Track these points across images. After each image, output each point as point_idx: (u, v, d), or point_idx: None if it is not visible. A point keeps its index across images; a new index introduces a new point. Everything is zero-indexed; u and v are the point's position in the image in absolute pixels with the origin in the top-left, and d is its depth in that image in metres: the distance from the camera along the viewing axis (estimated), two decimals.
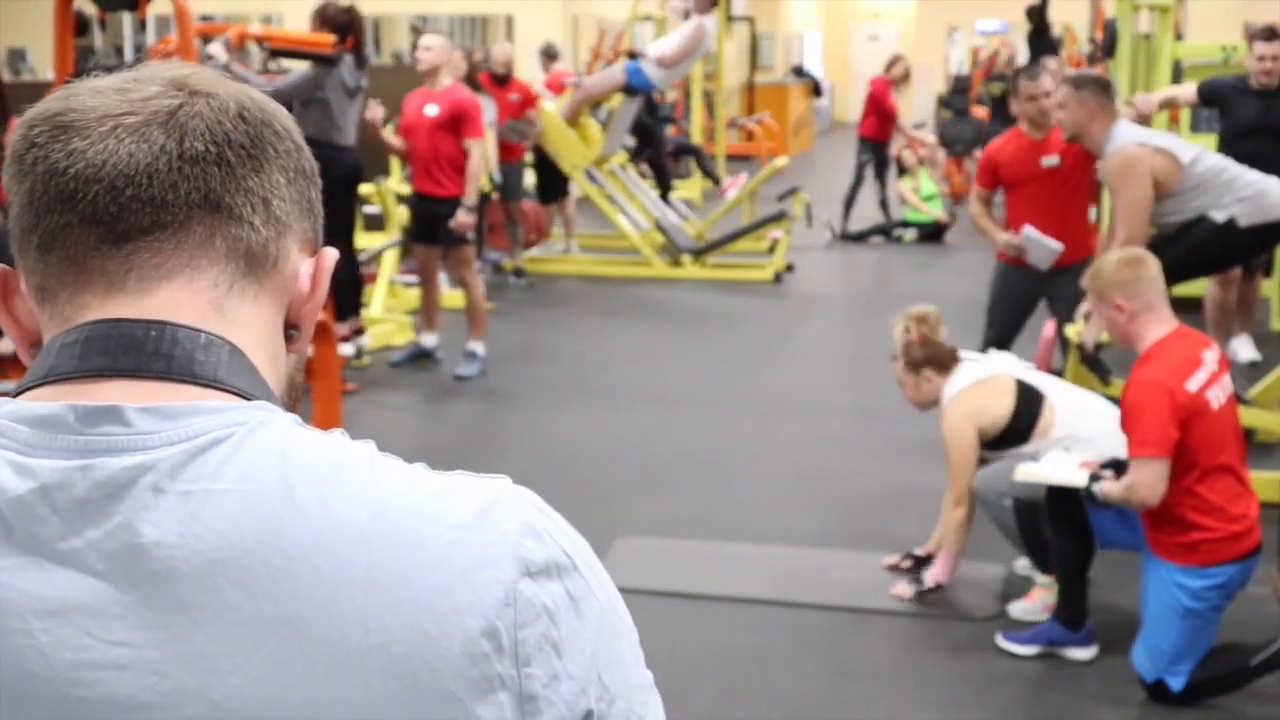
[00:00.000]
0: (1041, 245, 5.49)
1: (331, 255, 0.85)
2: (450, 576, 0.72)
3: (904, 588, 4.27)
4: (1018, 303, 5.71)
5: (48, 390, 0.76)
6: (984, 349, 5.69)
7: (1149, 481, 3.49)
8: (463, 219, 6.98)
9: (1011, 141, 5.74)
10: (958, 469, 4.16)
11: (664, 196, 11.49)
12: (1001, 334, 5.72)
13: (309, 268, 0.84)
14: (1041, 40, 12.47)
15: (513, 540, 0.74)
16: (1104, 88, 4.98)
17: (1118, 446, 3.68)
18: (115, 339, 0.76)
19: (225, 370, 0.77)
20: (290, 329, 0.84)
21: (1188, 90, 6.69)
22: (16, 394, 0.77)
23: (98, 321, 0.76)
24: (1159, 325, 3.62)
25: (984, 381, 4.21)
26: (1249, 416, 5.24)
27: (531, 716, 0.73)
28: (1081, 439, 4.02)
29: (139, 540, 0.70)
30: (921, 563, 4.43)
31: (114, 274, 0.77)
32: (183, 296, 0.78)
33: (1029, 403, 4.15)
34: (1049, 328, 4.46)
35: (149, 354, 0.75)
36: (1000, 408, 4.15)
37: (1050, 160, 5.55)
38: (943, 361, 4.33)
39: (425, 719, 0.71)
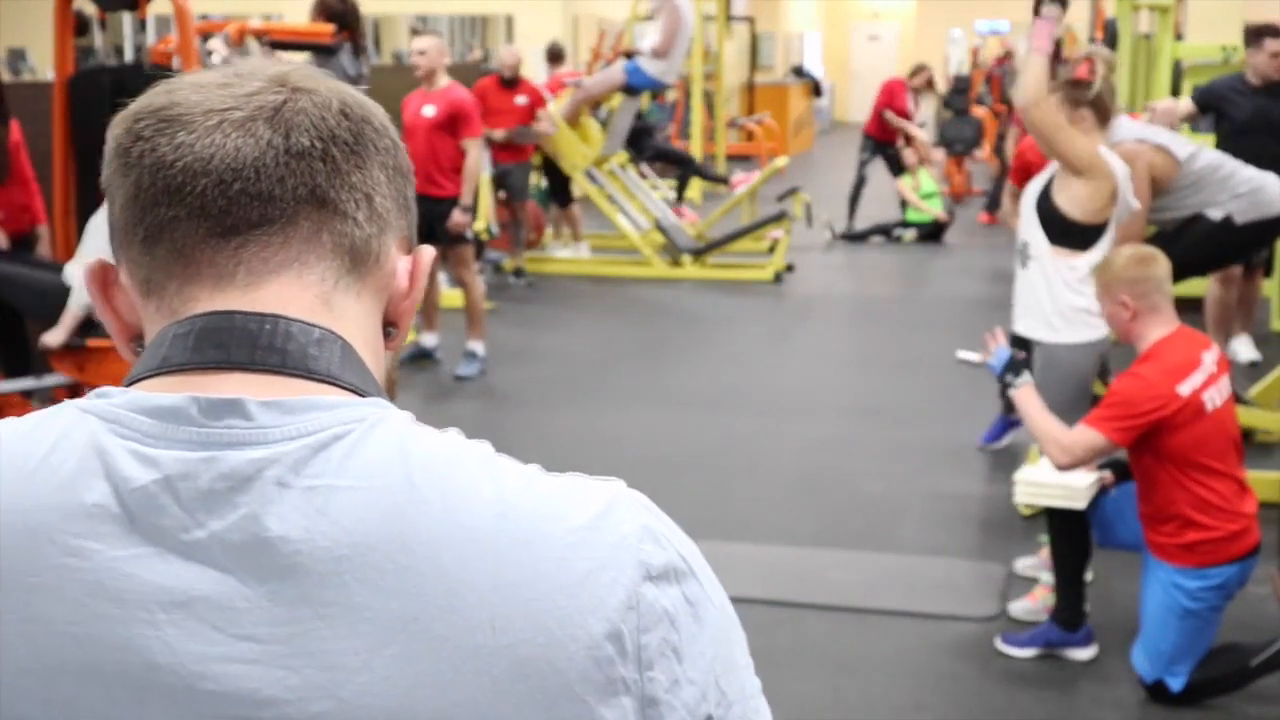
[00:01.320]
0: None
1: (429, 253, 0.86)
2: (573, 578, 0.72)
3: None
4: None
5: (162, 381, 0.75)
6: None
7: (1078, 450, 3.50)
8: (459, 218, 7.00)
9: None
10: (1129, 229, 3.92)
11: (685, 183, 11.42)
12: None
13: (407, 264, 0.84)
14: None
15: (632, 544, 0.74)
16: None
17: None
18: (229, 331, 0.75)
19: (338, 366, 0.77)
20: (389, 326, 0.84)
21: (1186, 105, 6.70)
22: (128, 384, 0.77)
23: (211, 313, 0.76)
24: (1161, 326, 3.62)
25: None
26: (1248, 417, 5.25)
27: (647, 700, 0.73)
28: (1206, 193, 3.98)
29: (265, 534, 0.70)
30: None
31: (223, 267, 0.77)
32: (292, 291, 0.78)
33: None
34: None
35: (263, 347, 0.75)
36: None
37: None
38: (1105, 116, 4.10)
39: (552, 712, 0.70)
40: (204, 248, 0.77)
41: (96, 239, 5.34)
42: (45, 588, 0.70)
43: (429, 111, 7.10)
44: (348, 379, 0.77)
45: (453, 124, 7.06)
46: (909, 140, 12.17)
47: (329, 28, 6.75)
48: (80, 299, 5.35)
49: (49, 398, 5.85)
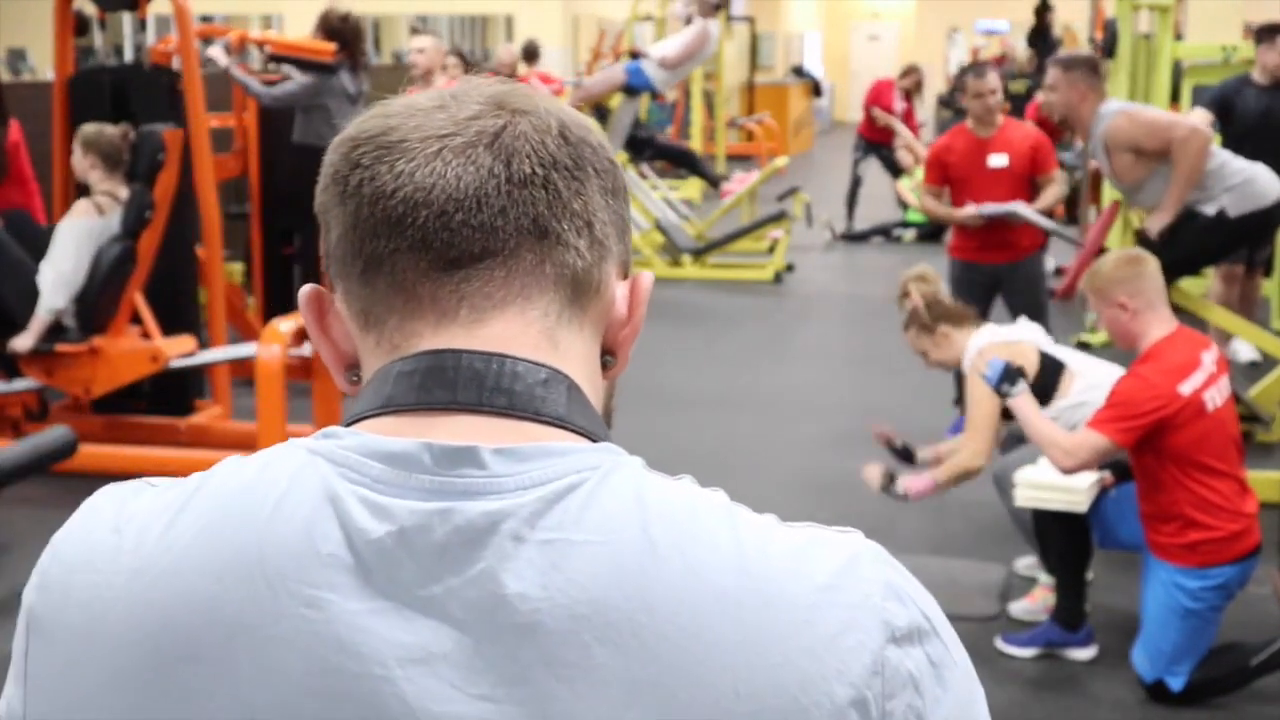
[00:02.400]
0: (1000, 212, 5.63)
1: (648, 279, 0.83)
2: (818, 641, 0.69)
3: (875, 472, 4.15)
4: (977, 296, 5.79)
5: (388, 422, 0.73)
6: None
7: (1082, 453, 3.50)
8: None
9: (959, 139, 5.83)
10: (979, 424, 4.04)
11: (701, 173, 11.40)
12: None
13: (625, 290, 0.81)
14: (1042, 39, 12.50)
15: (876, 603, 0.71)
16: (1093, 68, 4.99)
17: None
18: (456, 370, 0.73)
19: (566, 408, 0.74)
20: (606, 355, 0.81)
21: (1201, 115, 6.69)
22: (350, 423, 0.75)
23: (436, 351, 0.74)
24: (1160, 325, 3.62)
25: (1010, 343, 4.15)
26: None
27: None
28: (1097, 405, 4.03)
29: (502, 591, 0.68)
30: (905, 456, 4.38)
31: (445, 302, 0.75)
32: (516, 327, 0.75)
33: (1050, 370, 4.09)
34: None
35: (489, 388, 0.73)
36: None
37: (999, 160, 5.66)
38: (957, 316, 4.27)
39: None
40: (425, 282, 0.75)
41: (64, 246, 5.34)
42: (283, 639, 0.69)
43: None
44: (577, 422, 0.75)
45: None
46: (907, 144, 12.18)
47: (330, 46, 6.74)
48: (48, 304, 5.35)
49: (19, 401, 5.83)
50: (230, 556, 0.70)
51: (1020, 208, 5.61)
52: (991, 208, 5.63)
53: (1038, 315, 5.74)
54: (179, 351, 5.64)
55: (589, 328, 0.79)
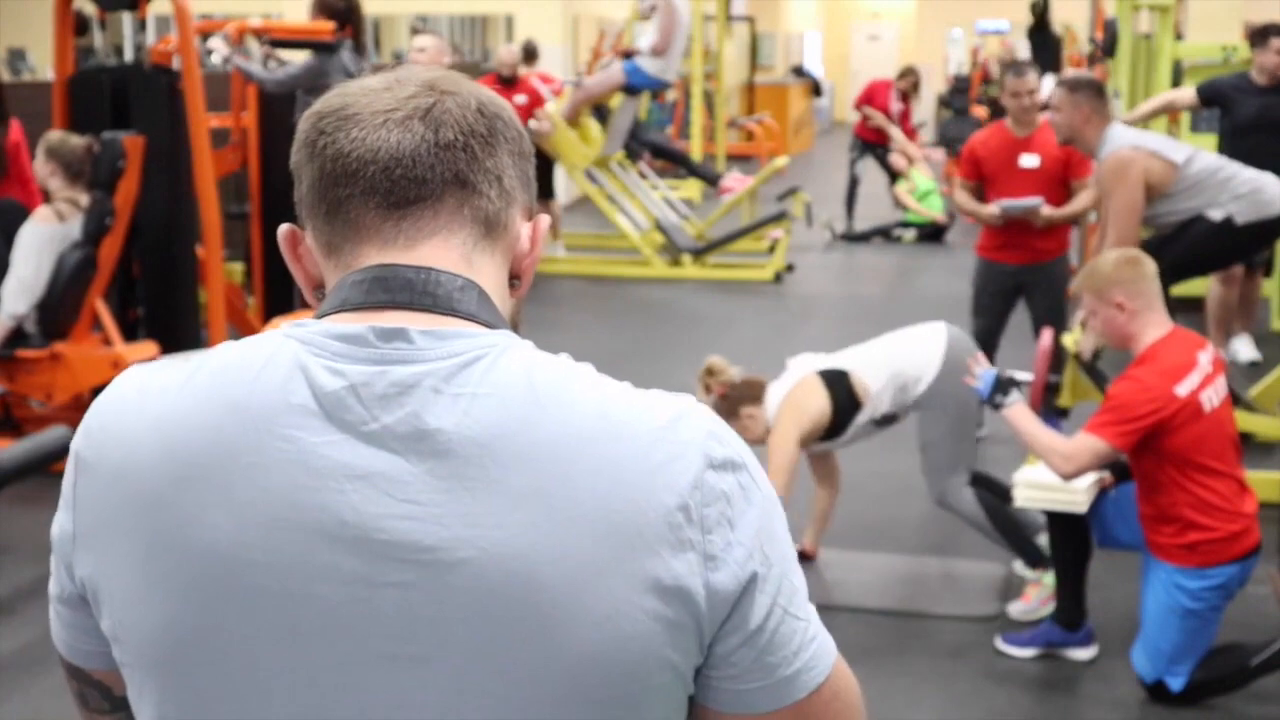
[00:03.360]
0: (1020, 208, 5.61)
1: (545, 220, 1.08)
2: (654, 465, 0.93)
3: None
4: (999, 295, 5.79)
5: (344, 316, 0.97)
6: (975, 340, 5.75)
7: (1082, 458, 3.51)
8: None
9: (995, 135, 5.82)
10: (777, 474, 4.16)
11: (697, 173, 11.39)
12: (987, 326, 5.81)
13: (528, 230, 1.06)
14: (1042, 37, 12.47)
15: (699, 440, 0.95)
16: (1098, 91, 4.98)
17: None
18: (394, 279, 0.98)
19: (475, 306, 0.99)
20: (513, 278, 1.06)
21: (1185, 94, 6.69)
22: (319, 317, 0.99)
23: (380, 265, 0.99)
24: (1156, 326, 3.62)
25: (792, 391, 4.24)
26: (1246, 421, 5.24)
27: (712, 571, 0.93)
28: (910, 375, 4.18)
29: (425, 426, 0.92)
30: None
31: (388, 233, 0.99)
32: (441, 251, 0.99)
33: (838, 384, 4.20)
34: (1045, 338, 4.51)
35: (419, 291, 0.97)
36: (817, 403, 4.19)
37: (1030, 160, 5.64)
38: (754, 394, 4.36)
39: (636, 565, 0.91)
40: (373, 218, 0.99)
41: (25, 252, 5.34)
42: (266, 464, 0.92)
43: None
44: (483, 316, 0.99)
45: None
46: (899, 148, 12.19)
47: (329, 25, 6.74)
48: (9, 309, 5.36)
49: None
50: (227, 406, 0.94)
51: (1036, 207, 5.58)
52: (1012, 202, 5.60)
53: (1058, 318, 5.74)
54: (140, 358, 5.64)
55: (499, 255, 1.03)
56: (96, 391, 5.62)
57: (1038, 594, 4.11)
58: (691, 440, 0.95)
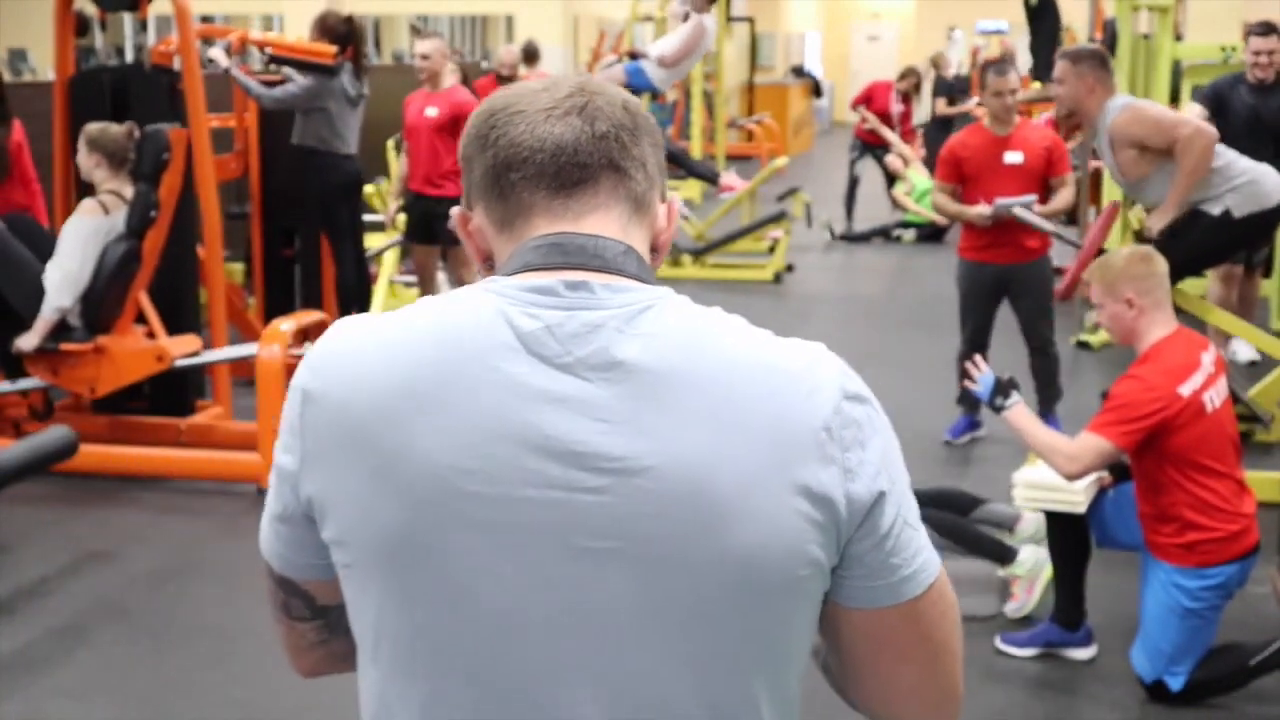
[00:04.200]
0: (1014, 205, 5.59)
1: (678, 202, 1.26)
2: (802, 393, 1.11)
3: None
4: (985, 295, 5.80)
5: (529, 275, 1.14)
6: (963, 347, 5.76)
7: (1085, 458, 3.51)
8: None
9: (975, 136, 5.81)
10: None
11: (696, 172, 11.38)
12: (977, 326, 5.81)
13: (664, 210, 1.23)
14: (1042, 21, 12.24)
15: (835, 377, 1.13)
16: (1102, 61, 4.96)
17: None
18: (569, 245, 1.15)
19: (637, 268, 1.16)
20: (652, 250, 1.22)
21: (1195, 110, 6.69)
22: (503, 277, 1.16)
23: (557, 233, 1.16)
24: (1162, 325, 3.62)
25: None
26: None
27: (850, 483, 1.11)
28: None
29: (612, 358, 1.09)
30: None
31: (556, 210, 1.17)
32: (604, 223, 1.17)
33: None
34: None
35: (591, 254, 1.15)
36: None
37: (1014, 157, 5.63)
38: None
39: (790, 474, 1.09)
40: (543, 198, 1.17)
41: (70, 245, 5.34)
42: (478, 390, 1.09)
43: (431, 112, 7.10)
44: (644, 277, 1.17)
45: (455, 126, 7.05)
46: (895, 149, 12.19)
47: (330, 49, 6.73)
48: (54, 303, 5.34)
49: (25, 400, 5.83)
50: (443, 344, 1.11)
51: (1029, 204, 5.58)
52: (1004, 202, 5.60)
53: (1044, 317, 5.74)
54: (184, 351, 5.64)
55: (644, 229, 1.21)
56: (134, 387, 5.63)
57: (1020, 586, 4.12)
58: (830, 376, 1.13)
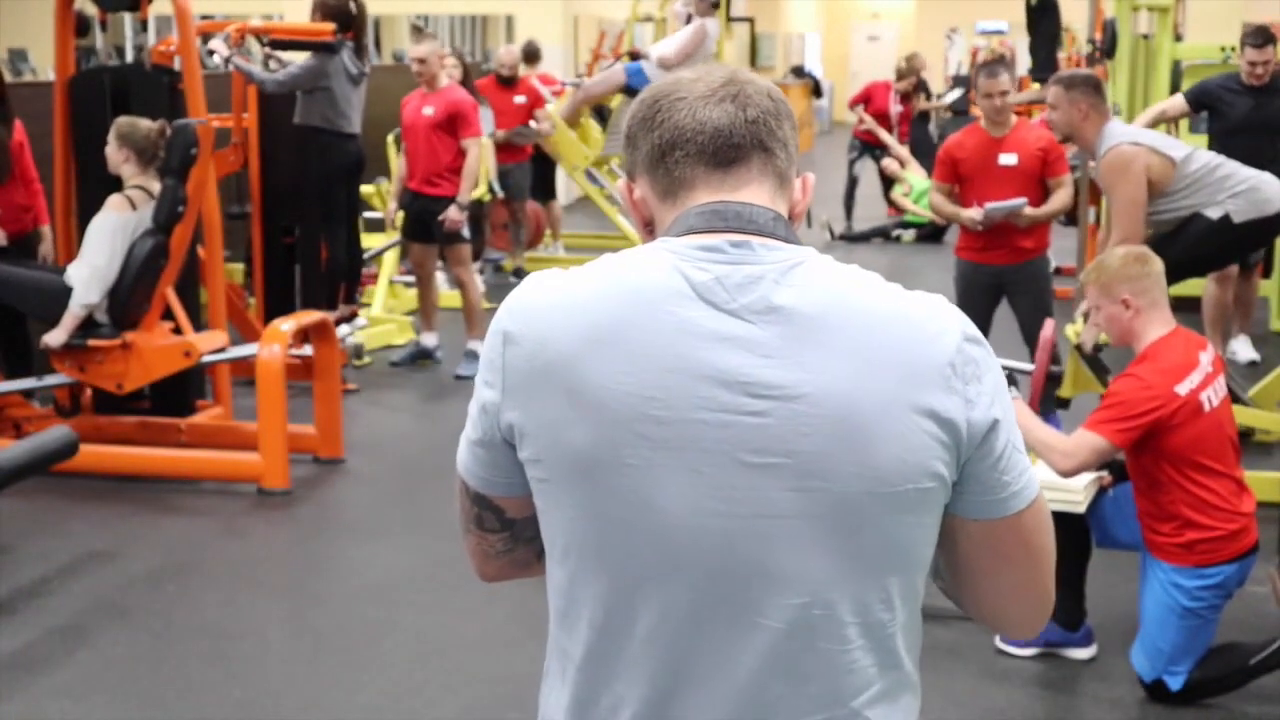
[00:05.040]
0: (1004, 209, 5.61)
1: (811, 178, 1.45)
2: (930, 334, 1.30)
3: None
4: (982, 296, 5.80)
5: (694, 237, 1.33)
6: None
7: (1081, 455, 3.51)
8: (453, 215, 7.03)
9: (971, 137, 5.82)
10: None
11: None
12: (975, 326, 5.80)
13: (800, 183, 1.42)
14: (1042, 21, 12.24)
15: (957, 323, 1.32)
16: (1095, 87, 4.97)
17: None
18: (728, 212, 1.34)
19: (785, 232, 1.36)
20: (790, 216, 1.40)
21: (1175, 102, 6.71)
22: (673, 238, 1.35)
23: (717, 202, 1.35)
24: (1159, 325, 3.63)
25: None
26: (1247, 416, 5.24)
27: (970, 411, 1.29)
28: None
29: (773, 303, 1.28)
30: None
31: (715, 183, 1.36)
32: (756, 194, 1.36)
33: None
34: (1047, 328, 4.51)
35: (747, 220, 1.34)
36: None
37: (1009, 159, 5.63)
38: None
39: (921, 400, 1.27)
40: (702, 172, 1.36)
41: (98, 240, 5.34)
42: (658, 329, 1.28)
43: (429, 111, 7.12)
44: (792, 239, 1.36)
45: (452, 124, 7.08)
46: (890, 150, 12.18)
47: (329, 27, 6.75)
48: (80, 299, 5.34)
49: (50, 397, 5.85)
50: (626, 292, 1.30)
51: (1019, 208, 5.58)
52: (993, 206, 5.61)
53: (1043, 316, 5.73)
54: (211, 346, 5.64)
55: (786, 199, 1.40)
56: (162, 381, 5.64)
57: None
58: (952, 322, 1.31)
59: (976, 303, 5.80)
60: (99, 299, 5.35)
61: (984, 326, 5.83)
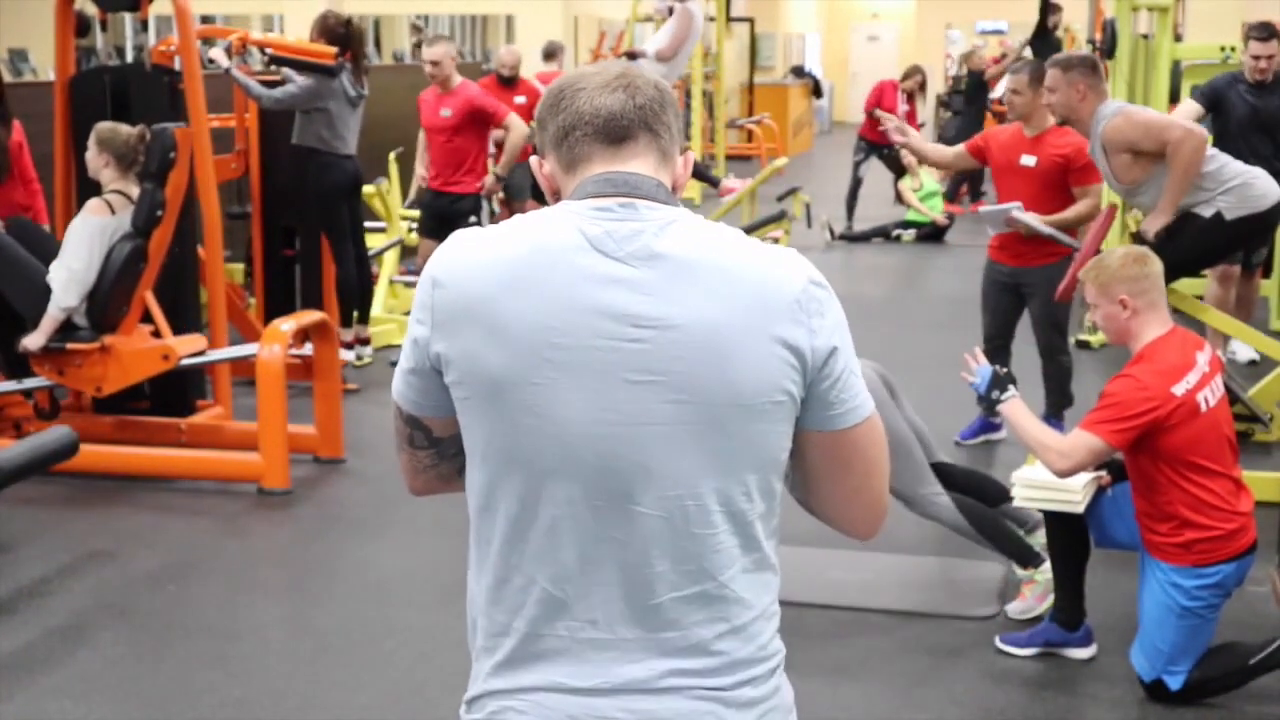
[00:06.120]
0: (995, 213, 5.60)
1: (690, 156, 1.70)
2: (781, 276, 1.56)
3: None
4: (1000, 294, 5.79)
5: (591, 201, 1.57)
6: (984, 345, 5.72)
7: (1077, 455, 3.51)
8: (489, 184, 7.60)
9: (1008, 132, 5.82)
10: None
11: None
12: (993, 323, 5.80)
13: (682, 160, 1.67)
14: (1044, 41, 12.43)
15: (803, 268, 1.59)
16: (1092, 68, 4.95)
17: None
18: (618, 179, 1.59)
19: (665, 197, 1.60)
20: (673, 188, 1.65)
21: (1188, 108, 6.69)
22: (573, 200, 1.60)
23: (609, 172, 1.60)
24: (1157, 326, 3.63)
25: None
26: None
27: (813, 339, 1.55)
28: None
29: (653, 250, 1.54)
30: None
31: (608, 157, 1.60)
32: (641, 166, 1.61)
33: None
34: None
35: (632, 186, 1.58)
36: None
37: (1028, 160, 5.62)
38: None
39: (773, 329, 1.53)
40: (599, 149, 1.60)
41: (76, 244, 5.33)
42: (559, 274, 1.53)
43: (446, 114, 7.28)
44: (670, 202, 1.61)
45: (472, 122, 7.26)
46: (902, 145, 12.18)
47: (330, 50, 6.76)
48: (59, 302, 5.34)
49: (31, 399, 5.82)
50: (533, 245, 1.55)
51: (1016, 211, 5.55)
52: (987, 209, 5.61)
53: (1051, 322, 5.71)
54: (190, 350, 5.64)
55: (669, 173, 1.64)
56: (134, 387, 5.67)
57: (1033, 591, 4.12)
58: (799, 269, 1.58)
59: (992, 300, 5.80)
60: (77, 302, 5.36)
61: (1005, 327, 5.80)
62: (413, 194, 7.98)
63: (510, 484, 1.56)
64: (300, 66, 6.77)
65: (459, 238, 1.61)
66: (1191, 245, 4.84)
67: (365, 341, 7.35)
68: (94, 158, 5.42)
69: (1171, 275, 4.50)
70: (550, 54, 11.71)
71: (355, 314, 7.31)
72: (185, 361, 5.61)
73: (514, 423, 1.54)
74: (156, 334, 5.68)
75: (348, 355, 6.98)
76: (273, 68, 7.04)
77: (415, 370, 1.61)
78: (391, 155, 9.08)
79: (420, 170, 8.04)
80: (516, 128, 7.35)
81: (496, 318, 1.53)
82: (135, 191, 5.41)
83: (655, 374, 1.52)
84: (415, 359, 1.60)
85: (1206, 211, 4.77)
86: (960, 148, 6.00)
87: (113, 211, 5.38)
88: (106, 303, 5.40)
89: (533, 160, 1.68)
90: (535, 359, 1.52)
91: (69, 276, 5.31)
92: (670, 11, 9.96)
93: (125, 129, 5.44)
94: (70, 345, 5.41)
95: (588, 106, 1.60)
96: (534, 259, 1.54)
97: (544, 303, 1.52)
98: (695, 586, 1.55)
